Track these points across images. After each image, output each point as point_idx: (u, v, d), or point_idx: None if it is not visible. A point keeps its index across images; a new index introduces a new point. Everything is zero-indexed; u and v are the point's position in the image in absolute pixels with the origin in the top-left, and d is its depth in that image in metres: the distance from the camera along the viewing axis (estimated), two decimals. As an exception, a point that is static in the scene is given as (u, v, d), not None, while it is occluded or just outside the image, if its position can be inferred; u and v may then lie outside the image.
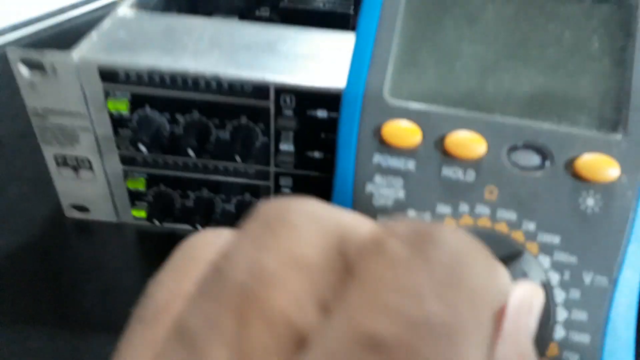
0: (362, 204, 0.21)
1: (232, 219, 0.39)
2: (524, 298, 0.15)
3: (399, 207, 0.21)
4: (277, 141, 0.35)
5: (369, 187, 0.21)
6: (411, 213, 0.21)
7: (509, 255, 0.19)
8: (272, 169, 0.37)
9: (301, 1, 0.44)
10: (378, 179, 0.21)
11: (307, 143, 0.35)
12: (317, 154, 0.35)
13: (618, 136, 0.20)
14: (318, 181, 0.36)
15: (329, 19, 0.43)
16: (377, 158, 0.21)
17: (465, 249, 0.10)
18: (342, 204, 0.22)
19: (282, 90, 0.33)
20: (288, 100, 0.33)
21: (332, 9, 0.43)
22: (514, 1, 0.22)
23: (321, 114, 0.33)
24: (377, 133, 0.21)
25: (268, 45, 0.35)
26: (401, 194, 0.21)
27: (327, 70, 0.33)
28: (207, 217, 0.39)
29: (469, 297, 0.10)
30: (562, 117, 0.20)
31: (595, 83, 0.21)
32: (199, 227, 0.39)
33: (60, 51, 0.33)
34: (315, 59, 0.34)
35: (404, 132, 0.20)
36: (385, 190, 0.21)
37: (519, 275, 0.19)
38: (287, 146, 0.35)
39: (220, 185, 0.38)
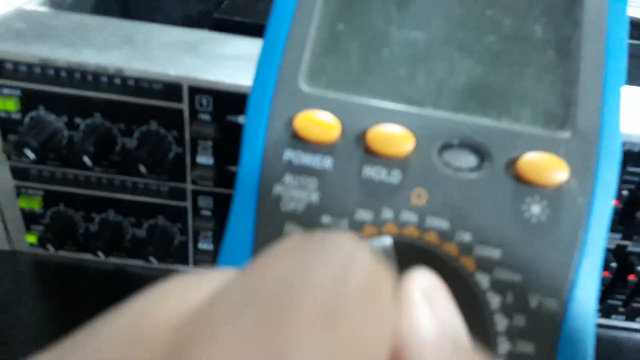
0: (268, 209, 0.18)
1: (143, 247, 0.34)
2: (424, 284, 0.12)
3: (311, 213, 0.18)
4: (194, 152, 0.31)
5: (277, 189, 0.18)
6: (326, 220, 0.18)
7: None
8: (189, 186, 0.32)
9: (237, 12, 0.41)
10: (288, 179, 0.18)
11: (229, 155, 0.30)
12: (240, 169, 0.31)
13: (566, 134, 0.18)
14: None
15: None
16: (289, 154, 0.18)
17: None
18: (244, 210, 0.18)
19: (198, 90, 0.28)
20: (204, 102, 0.29)
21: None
22: None
23: (244, 120, 0.29)
24: (289, 125, 0.18)
25: (188, 46, 0.31)
26: (315, 197, 0.18)
27: (252, 70, 0.29)
28: (114, 243, 0.34)
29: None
30: (502, 113, 0.18)
31: (538, 75, 0.19)
32: (101, 255, 0.33)
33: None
34: (239, 60, 0.30)
35: (320, 124, 0.18)
36: (296, 192, 0.18)
37: None
38: (205, 158, 0.31)
39: (129, 205, 0.33)
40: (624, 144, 0.29)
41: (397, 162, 0.18)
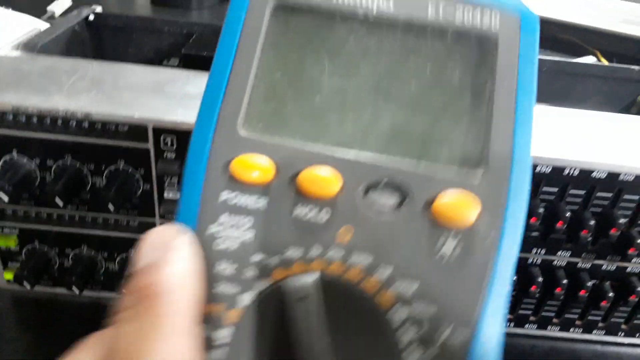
0: (202, 248, 0.18)
1: (116, 280, 0.35)
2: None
3: (244, 251, 0.18)
4: (161, 188, 0.32)
5: (212, 229, 0.19)
6: (258, 257, 0.18)
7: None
8: (158, 220, 0.33)
9: (206, 47, 0.43)
10: (224, 218, 0.19)
11: (195, 190, 0.32)
12: (207, 203, 0.32)
13: (479, 171, 0.19)
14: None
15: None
16: (225, 195, 0.19)
17: None
18: None
19: (162, 130, 0.30)
20: (169, 141, 0.30)
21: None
22: (375, 35, 0.21)
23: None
24: (227, 168, 0.19)
25: (155, 86, 0.33)
26: (249, 236, 0.19)
27: (213, 110, 0.31)
28: (88, 277, 0.35)
29: None
30: (422, 154, 0.20)
31: (455, 118, 0.20)
32: (75, 290, 0.35)
33: None
34: (203, 99, 0.32)
35: (255, 167, 0.19)
36: (231, 231, 0.19)
37: None
38: (172, 194, 0.32)
39: (101, 241, 0.34)
40: (539, 165, 0.31)
41: (326, 202, 0.19)
